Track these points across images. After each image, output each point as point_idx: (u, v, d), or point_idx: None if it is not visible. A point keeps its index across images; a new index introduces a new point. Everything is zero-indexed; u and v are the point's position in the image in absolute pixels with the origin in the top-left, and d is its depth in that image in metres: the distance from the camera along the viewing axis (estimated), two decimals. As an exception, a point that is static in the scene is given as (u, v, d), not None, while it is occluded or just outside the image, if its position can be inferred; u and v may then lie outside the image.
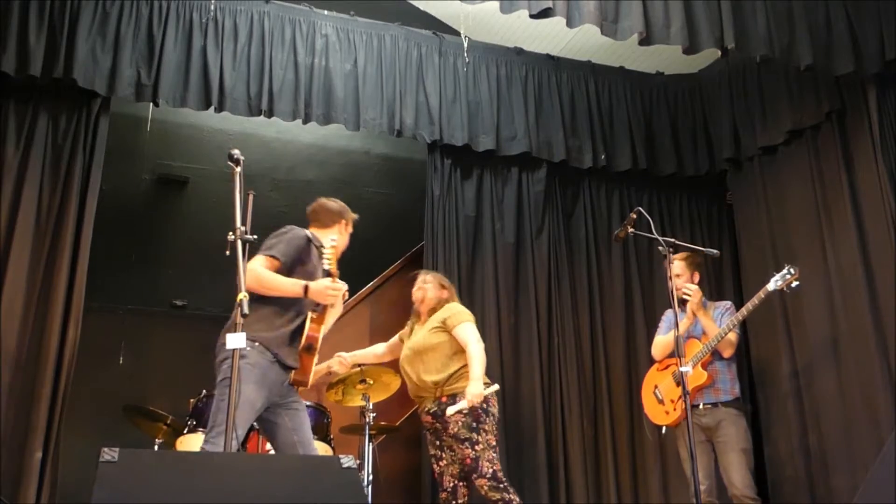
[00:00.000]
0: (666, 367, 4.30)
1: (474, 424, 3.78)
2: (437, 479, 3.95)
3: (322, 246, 3.27)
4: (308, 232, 3.40)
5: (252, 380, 3.06)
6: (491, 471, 3.73)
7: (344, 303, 3.46)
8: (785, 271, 4.00)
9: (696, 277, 4.34)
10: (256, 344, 3.13)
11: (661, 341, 4.36)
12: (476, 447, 3.75)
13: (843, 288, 4.55)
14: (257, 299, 3.22)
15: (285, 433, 3.26)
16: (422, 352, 3.97)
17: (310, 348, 3.25)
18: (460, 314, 4.02)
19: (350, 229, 3.61)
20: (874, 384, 4.25)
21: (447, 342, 3.95)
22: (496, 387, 3.90)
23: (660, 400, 4.25)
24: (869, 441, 4.20)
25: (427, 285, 4.14)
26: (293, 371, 3.30)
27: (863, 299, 4.39)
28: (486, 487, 3.72)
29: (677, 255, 4.25)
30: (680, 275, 4.26)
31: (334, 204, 3.59)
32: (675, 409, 4.10)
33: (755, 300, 4.04)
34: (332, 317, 3.42)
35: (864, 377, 4.33)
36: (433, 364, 3.95)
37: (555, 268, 5.27)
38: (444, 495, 3.89)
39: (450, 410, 3.79)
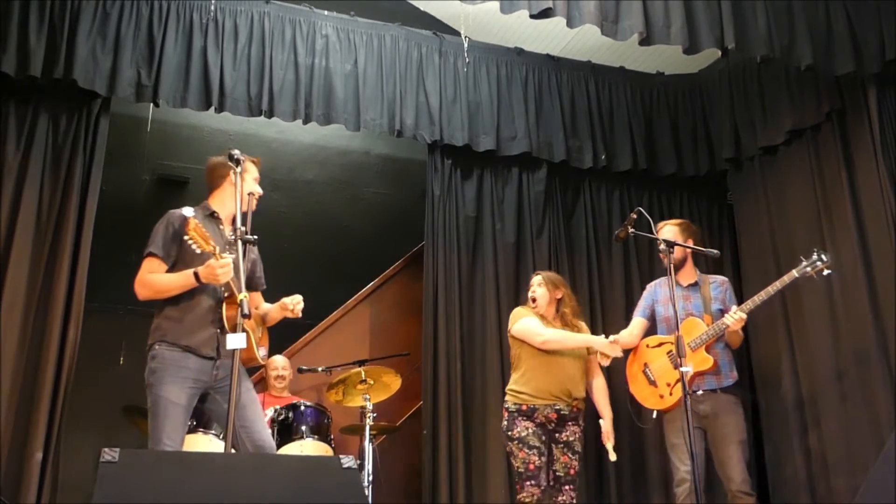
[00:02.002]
0: (658, 345, 4.09)
1: (583, 441, 4.03)
2: (533, 471, 3.82)
3: (214, 214, 3.14)
4: (184, 211, 3.14)
5: (167, 380, 2.99)
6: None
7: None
8: (815, 257, 3.82)
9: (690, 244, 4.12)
10: (163, 344, 3.06)
11: (628, 334, 4.18)
12: (579, 463, 3.99)
13: (844, 287, 4.54)
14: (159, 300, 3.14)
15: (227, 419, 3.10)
16: (581, 359, 4.07)
17: (235, 329, 3.01)
18: None
19: (250, 174, 3.31)
20: (874, 384, 4.25)
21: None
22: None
23: (651, 381, 4.03)
24: (869, 441, 4.20)
25: (542, 290, 4.16)
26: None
27: (863, 299, 4.39)
28: (574, 498, 3.91)
29: (671, 221, 4.19)
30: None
31: (221, 157, 3.32)
32: (670, 394, 3.89)
33: (778, 284, 3.87)
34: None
35: (865, 377, 4.33)
36: (583, 376, 4.07)
37: (555, 268, 5.24)
38: (535, 491, 3.81)
39: (604, 426, 3.99)
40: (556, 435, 3.95)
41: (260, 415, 3.19)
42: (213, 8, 4.67)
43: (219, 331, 3.09)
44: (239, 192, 3.03)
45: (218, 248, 2.96)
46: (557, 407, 3.93)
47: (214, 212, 3.29)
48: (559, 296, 4.16)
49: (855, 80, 4.49)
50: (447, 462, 4.67)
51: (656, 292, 4.28)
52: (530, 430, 3.88)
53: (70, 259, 4.25)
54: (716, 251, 3.98)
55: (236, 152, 3.03)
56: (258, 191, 3.36)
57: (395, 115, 4.97)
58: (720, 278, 4.28)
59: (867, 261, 4.42)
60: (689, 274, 4.18)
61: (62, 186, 4.35)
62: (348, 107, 4.87)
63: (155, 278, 3.11)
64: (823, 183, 4.79)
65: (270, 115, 4.70)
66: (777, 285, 3.90)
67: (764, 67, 5.08)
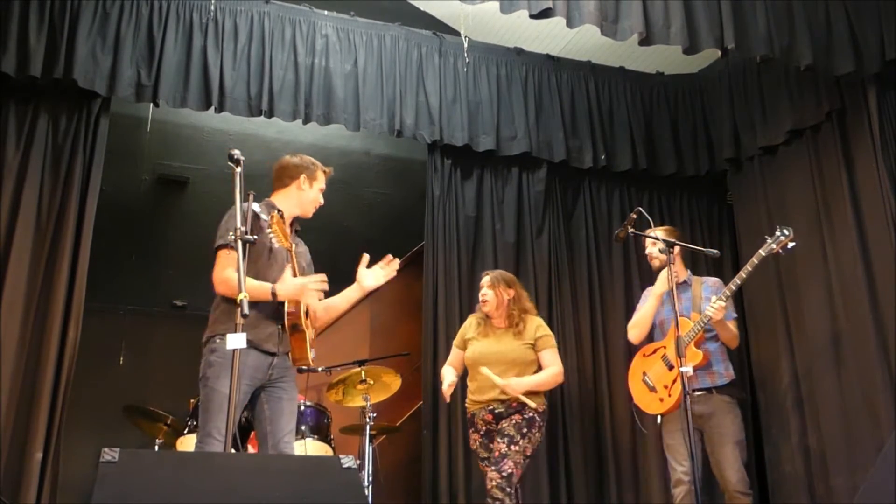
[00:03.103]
0: (654, 352, 4.16)
1: (524, 429, 3.85)
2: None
3: (270, 215, 3.09)
4: (251, 205, 3.08)
5: (223, 374, 2.95)
6: (509, 472, 3.74)
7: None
8: (778, 233, 3.90)
9: (676, 248, 4.11)
10: (224, 338, 3.00)
11: (639, 320, 4.22)
12: (512, 446, 3.80)
13: (844, 288, 4.54)
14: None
15: (262, 423, 3.14)
16: (516, 363, 3.98)
17: (295, 328, 3.12)
18: (549, 338, 4.11)
19: (319, 183, 3.37)
20: (874, 384, 4.25)
21: (535, 360, 4.05)
22: (533, 403, 3.91)
23: (651, 387, 4.08)
24: (869, 441, 4.20)
25: (490, 292, 4.10)
26: (287, 355, 3.18)
27: (863, 299, 4.38)
28: (494, 482, 3.72)
29: (658, 228, 4.18)
30: (660, 246, 4.11)
31: (296, 158, 3.38)
32: (669, 396, 3.94)
33: (748, 267, 3.92)
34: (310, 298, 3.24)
35: (864, 377, 4.33)
36: (520, 376, 4.00)
37: (555, 268, 5.26)
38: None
39: (513, 380, 3.87)
40: (497, 430, 3.92)
41: (293, 427, 3.20)
42: (213, 8, 4.67)
43: (279, 327, 3.12)
44: (240, 192, 3.02)
45: (294, 247, 3.02)
46: (491, 408, 3.94)
47: (280, 211, 3.26)
48: (510, 296, 4.11)
49: (855, 80, 4.49)
50: (447, 462, 4.67)
51: (646, 296, 4.30)
52: (478, 443, 3.99)
53: (70, 259, 4.25)
54: (716, 251, 4.01)
55: (236, 152, 3.01)
56: (320, 201, 3.42)
57: (395, 115, 4.97)
58: (713, 279, 4.30)
59: (867, 260, 4.42)
60: (677, 275, 4.12)
61: (62, 186, 4.35)
62: (348, 107, 4.87)
63: (231, 275, 2.99)
64: (823, 183, 4.79)
65: (270, 115, 4.71)
66: (748, 268, 3.94)
67: (764, 67, 5.08)
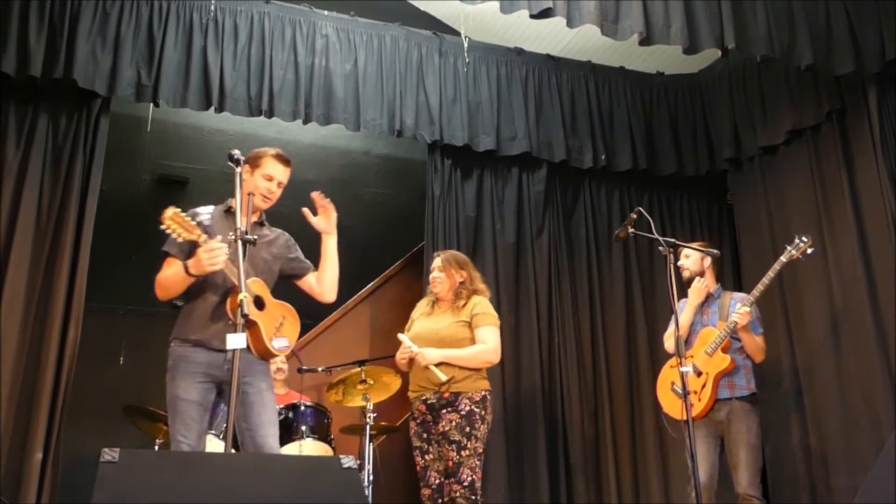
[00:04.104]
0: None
1: (467, 429, 3.62)
2: (420, 472, 3.72)
3: (230, 209, 3.02)
4: (199, 209, 3.15)
5: (178, 376, 2.98)
6: (469, 479, 3.59)
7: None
8: (797, 241, 4.03)
9: (707, 261, 4.19)
10: (175, 341, 3.08)
11: (673, 330, 4.20)
12: (462, 452, 3.60)
13: (844, 287, 4.55)
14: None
15: (239, 422, 3.03)
16: (444, 341, 3.74)
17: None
18: (487, 316, 3.84)
19: (262, 170, 3.23)
20: (874, 384, 4.25)
21: (470, 339, 3.78)
22: (444, 377, 3.66)
23: (680, 396, 4.01)
24: (869, 441, 4.21)
25: (441, 275, 3.92)
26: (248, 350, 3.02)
27: (863, 299, 4.39)
28: (458, 493, 3.59)
29: (695, 243, 4.25)
30: (692, 259, 4.18)
31: (254, 150, 3.29)
32: (699, 400, 3.99)
33: (770, 273, 4.00)
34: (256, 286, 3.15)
35: (865, 377, 4.33)
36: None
37: (555, 268, 5.27)
38: (426, 492, 3.69)
39: (426, 350, 3.68)
40: (434, 428, 3.69)
41: (270, 419, 3.09)
42: (213, 8, 4.67)
43: (229, 323, 3.00)
44: (239, 192, 3.02)
45: (203, 237, 2.91)
46: (424, 397, 3.71)
47: (230, 207, 3.24)
48: (462, 277, 3.92)
49: (855, 80, 4.49)
50: (447, 462, 4.66)
51: (681, 307, 4.29)
52: (413, 431, 3.78)
53: (70, 259, 4.25)
54: (716, 251, 4.03)
55: (236, 152, 3.01)
56: (269, 189, 3.25)
57: (395, 115, 4.97)
58: (741, 294, 4.26)
59: (867, 260, 4.43)
60: (707, 285, 4.19)
61: (62, 186, 4.35)
62: (348, 107, 4.87)
63: (160, 277, 3.12)
64: (823, 183, 4.79)
65: (270, 115, 4.70)
66: (770, 274, 4.01)
67: (764, 67, 5.08)
